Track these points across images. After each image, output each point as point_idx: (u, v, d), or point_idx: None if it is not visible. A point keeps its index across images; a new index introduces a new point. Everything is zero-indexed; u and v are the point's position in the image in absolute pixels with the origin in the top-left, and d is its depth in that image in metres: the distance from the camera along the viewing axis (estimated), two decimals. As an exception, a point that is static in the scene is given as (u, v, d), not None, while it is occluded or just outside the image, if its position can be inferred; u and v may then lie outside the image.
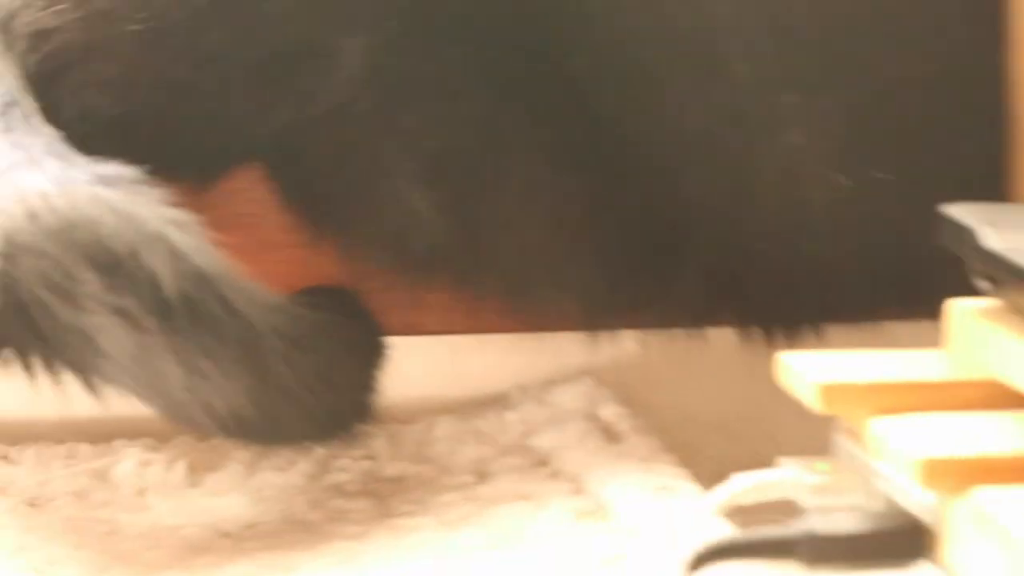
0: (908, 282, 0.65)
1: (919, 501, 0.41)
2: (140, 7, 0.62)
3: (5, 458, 0.67)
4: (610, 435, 0.69)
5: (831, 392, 0.44)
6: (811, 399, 0.45)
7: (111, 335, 0.56)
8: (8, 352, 0.59)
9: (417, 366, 0.70)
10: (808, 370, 0.46)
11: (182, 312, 0.56)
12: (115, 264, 0.55)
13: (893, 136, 0.67)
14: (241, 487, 0.65)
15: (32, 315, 0.56)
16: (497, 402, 0.73)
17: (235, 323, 0.57)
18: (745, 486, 0.46)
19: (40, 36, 0.64)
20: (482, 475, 0.67)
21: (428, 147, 0.66)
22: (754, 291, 0.69)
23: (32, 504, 0.65)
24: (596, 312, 0.71)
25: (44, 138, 0.62)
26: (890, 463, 0.42)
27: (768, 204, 0.67)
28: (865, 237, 0.66)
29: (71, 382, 0.59)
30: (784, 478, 0.46)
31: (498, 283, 0.70)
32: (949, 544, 0.39)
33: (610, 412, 0.70)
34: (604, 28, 0.65)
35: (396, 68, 0.64)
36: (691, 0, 0.66)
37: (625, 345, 0.73)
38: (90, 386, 0.59)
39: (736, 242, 0.68)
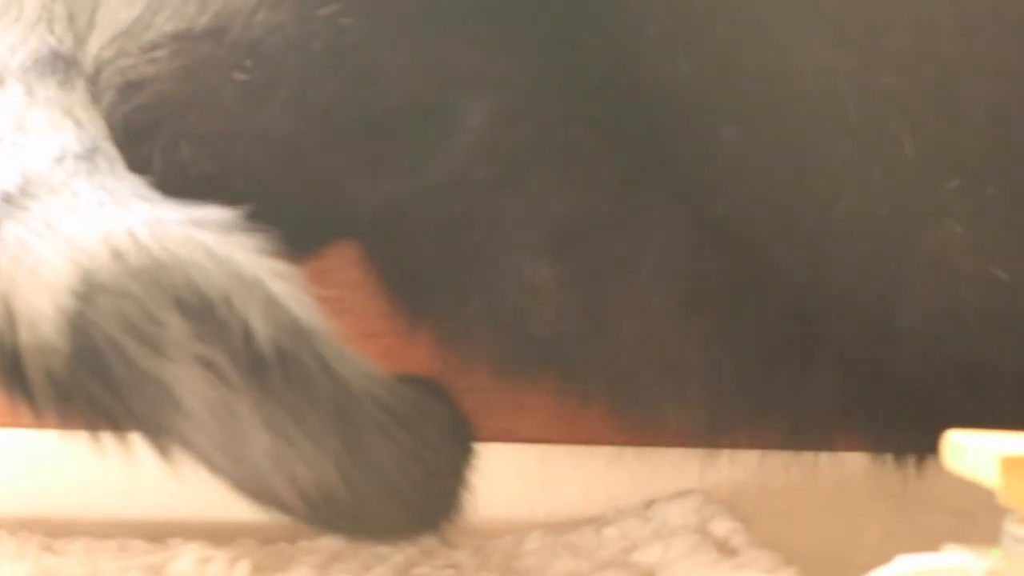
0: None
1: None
2: (247, 55, 0.60)
3: (49, 549, 0.65)
4: (725, 549, 0.66)
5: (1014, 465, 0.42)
6: (989, 474, 0.43)
7: (193, 388, 0.52)
8: (73, 408, 0.55)
9: (509, 476, 0.68)
10: (986, 446, 0.44)
11: (275, 368, 0.53)
12: (205, 310, 0.52)
13: None
14: (311, 593, 0.62)
15: (106, 362, 0.53)
16: (594, 520, 0.69)
17: (332, 385, 0.54)
18: (912, 569, 0.45)
19: (132, 87, 0.62)
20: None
21: (554, 216, 0.63)
22: (892, 398, 0.66)
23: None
24: (714, 423, 0.68)
25: (131, 183, 0.59)
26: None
27: (918, 299, 0.65)
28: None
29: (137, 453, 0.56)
30: (953, 563, 0.44)
31: (609, 383, 0.67)
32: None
33: (723, 527, 0.67)
34: (759, 96, 0.63)
35: (523, 131, 0.62)
36: (856, 70, 0.64)
37: (739, 462, 0.71)
38: (159, 447, 0.55)
39: (878, 341, 0.66)
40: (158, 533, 0.67)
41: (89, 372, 0.53)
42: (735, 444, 0.70)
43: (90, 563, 0.65)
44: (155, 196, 0.58)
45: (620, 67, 0.62)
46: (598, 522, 0.71)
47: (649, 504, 0.72)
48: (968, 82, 0.65)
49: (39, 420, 0.55)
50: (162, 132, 0.61)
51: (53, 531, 0.68)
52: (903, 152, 0.63)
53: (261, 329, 0.52)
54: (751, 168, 0.64)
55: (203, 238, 0.54)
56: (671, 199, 0.64)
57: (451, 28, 0.61)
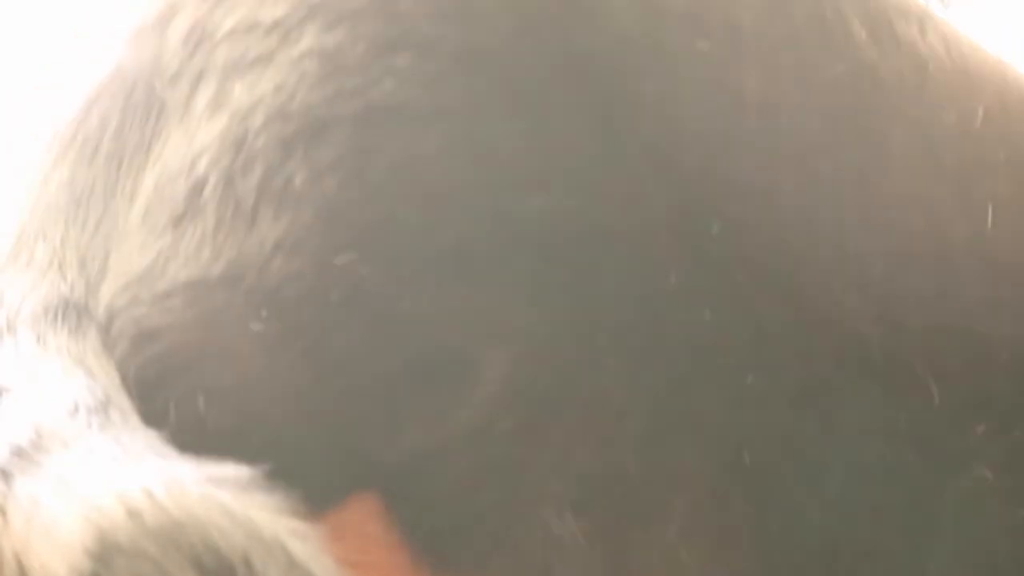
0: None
1: None
2: (264, 304, 0.60)
3: None
4: None
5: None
6: None
7: None
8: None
9: None
10: None
11: None
12: (225, 572, 0.51)
13: None
14: None
15: None
16: None
17: None
18: None
19: (146, 337, 0.62)
20: None
21: (580, 469, 0.62)
22: None
23: None
24: None
25: (146, 437, 0.58)
26: None
27: (949, 547, 0.64)
28: None
29: None
30: None
31: None
32: None
33: None
34: (785, 342, 0.65)
35: (547, 381, 0.61)
36: (879, 313, 0.65)
37: None
38: None
39: None
40: None
41: None
42: None
43: None
44: (171, 452, 0.57)
45: (643, 315, 0.63)
46: None
47: None
48: (994, 323, 0.66)
49: None
50: (177, 384, 0.61)
51: None
52: (929, 397, 0.64)
53: None
54: (777, 418, 0.64)
55: (221, 497, 0.53)
56: (698, 451, 0.64)
57: (472, 277, 0.61)
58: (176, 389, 0.60)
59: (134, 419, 0.59)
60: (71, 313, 0.64)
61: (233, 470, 0.54)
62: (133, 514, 0.52)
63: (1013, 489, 0.63)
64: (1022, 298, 0.65)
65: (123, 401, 0.60)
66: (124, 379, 0.61)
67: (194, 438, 0.58)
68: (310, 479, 0.60)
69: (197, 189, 0.62)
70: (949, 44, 0.69)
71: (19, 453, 0.57)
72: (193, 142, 0.62)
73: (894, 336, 0.64)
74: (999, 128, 0.67)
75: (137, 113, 0.66)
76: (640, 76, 0.63)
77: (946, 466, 0.64)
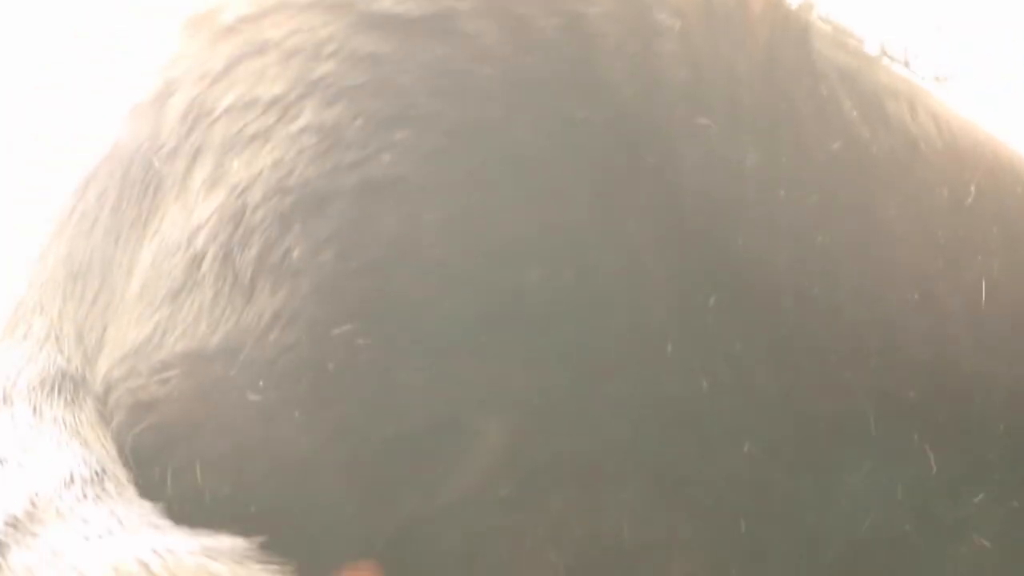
0: None
1: None
2: (261, 375, 0.60)
3: None
4: None
5: None
6: None
7: None
8: None
9: None
10: None
11: None
12: None
13: None
14: None
15: None
16: None
17: None
18: None
19: (143, 407, 0.62)
20: None
21: (575, 536, 0.62)
22: None
23: None
24: None
25: (141, 509, 0.58)
26: None
27: None
28: None
29: None
30: None
31: None
32: None
33: None
34: (779, 414, 0.64)
35: (543, 450, 0.62)
36: (876, 385, 0.65)
37: None
38: None
39: None
40: None
41: None
42: None
43: None
44: (166, 523, 0.57)
45: (639, 385, 0.63)
46: None
47: None
48: (989, 395, 0.67)
49: None
50: (174, 454, 0.61)
51: None
52: (926, 467, 0.64)
53: None
54: (775, 487, 0.64)
55: (216, 568, 0.53)
56: (693, 520, 0.64)
57: (469, 347, 0.61)
58: (174, 459, 0.60)
59: (129, 490, 0.59)
60: (68, 385, 0.64)
61: (229, 541, 0.55)
62: None
63: (1012, 559, 0.63)
64: (1016, 371, 0.66)
65: (119, 472, 0.60)
66: (121, 450, 0.61)
67: (192, 508, 0.59)
68: (308, 548, 0.60)
69: (195, 263, 0.62)
70: (940, 122, 0.70)
71: (14, 524, 0.58)
72: (191, 217, 0.63)
73: (890, 406, 0.64)
74: (991, 205, 0.68)
75: (135, 189, 0.67)
76: (639, 150, 0.64)
77: (944, 535, 0.64)
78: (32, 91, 1.19)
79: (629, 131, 0.65)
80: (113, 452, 0.62)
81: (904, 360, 0.65)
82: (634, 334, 0.62)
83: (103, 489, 0.60)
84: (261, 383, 0.61)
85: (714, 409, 0.63)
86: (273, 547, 0.58)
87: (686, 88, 0.66)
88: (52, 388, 0.66)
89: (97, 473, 0.61)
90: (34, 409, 0.65)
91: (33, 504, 0.60)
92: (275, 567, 0.55)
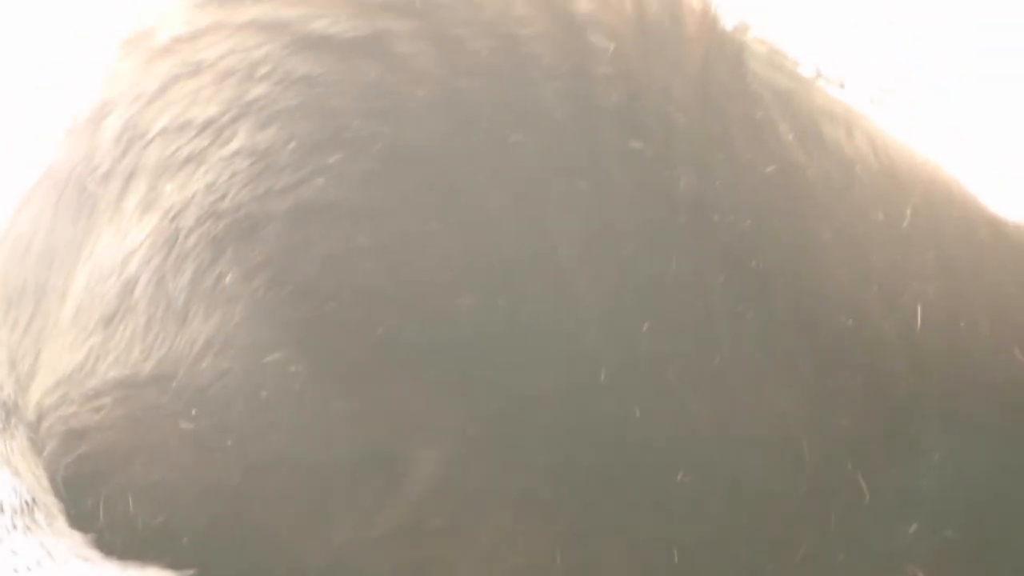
0: None
1: None
2: (193, 404, 0.60)
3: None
4: None
5: None
6: None
7: None
8: None
9: None
10: None
11: None
12: None
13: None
14: None
15: None
16: None
17: None
18: None
19: (75, 436, 0.62)
20: None
21: (508, 565, 0.62)
22: None
23: None
24: None
25: (71, 540, 0.58)
26: None
27: None
28: None
29: None
30: None
31: None
32: None
33: None
34: (712, 440, 0.64)
35: (475, 479, 0.61)
36: (809, 412, 0.65)
37: None
38: None
39: None
40: None
41: None
42: None
43: None
44: (95, 555, 0.57)
45: (572, 413, 0.63)
46: None
47: None
48: (922, 423, 0.66)
49: None
50: (107, 483, 0.61)
51: None
52: (860, 496, 0.64)
53: None
54: (707, 515, 0.64)
55: None
56: (626, 549, 0.64)
57: (402, 375, 0.61)
58: (106, 488, 0.60)
59: (60, 521, 0.59)
60: (0, 413, 0.64)
61: (157, 574, 0.55)
62: None
63: None
64: (951, 397, 0.65)
65: (50, 502, 0.60)
66: (53, 479, 0.61)
67: (123, 539, 0.59)
68: (242, 573, 0.61)
69: (128, 288, 0.62)
70: (876, 145, 0.70)
71: None
72: (124, 241, 0.63)
73: (823, 434, 0.64)
74: (927, 228, 0.67)
75: (68, 211, 0.66)
76: (572, 173, 0.63)
77: (878, 564, 0.64)
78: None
79: (562, 155, 0.64)
80: (44, 482, 0.62)
81: (837, 387, 0.65)
82: (567, 361, 0.62)
83: (33, 520, 0.60)
84: (194, 411, 0.61)
85: (647, 437, 0.63)
86: None
87: (619, 111, 0.66)
88: None
89: (27, 503, 0.60)
90: (-31, 429, 0.62)
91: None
92: None
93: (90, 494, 0.60)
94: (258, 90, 0.63)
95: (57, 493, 0.61)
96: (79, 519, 0.60)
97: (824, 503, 0.65)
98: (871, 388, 0.65)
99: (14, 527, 0.60)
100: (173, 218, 0.62)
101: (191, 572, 0.57)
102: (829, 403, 0.65)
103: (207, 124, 0.63)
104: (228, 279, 0.60)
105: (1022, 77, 1.26)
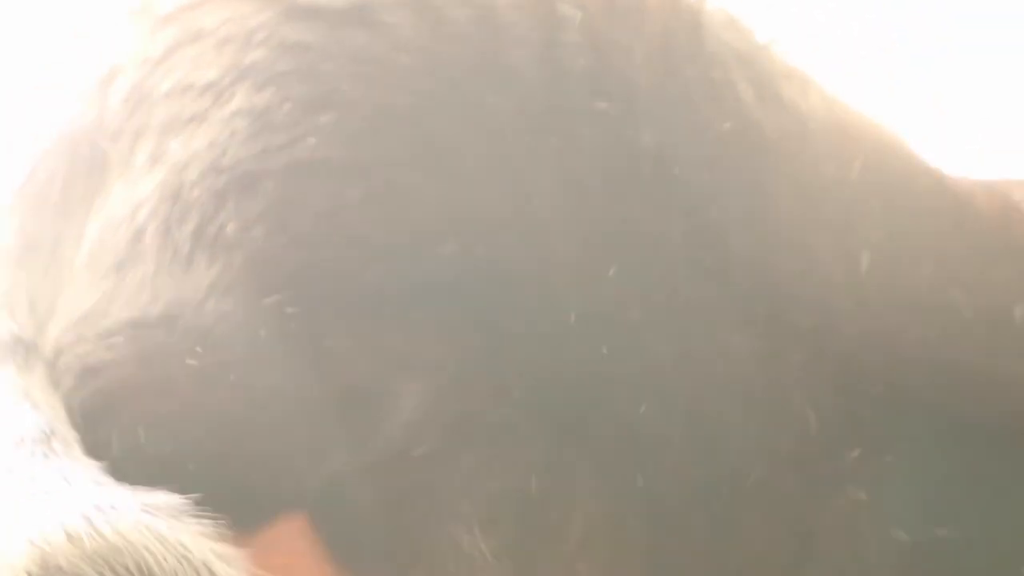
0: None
1: None
2: (199, 342, 0.63)
3: None
4: None
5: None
6: None
7: None
8: None
9: None
10: None
11: None
12: None
13: (960, 492, 0.67)
14: None
15: None
16: None
17: None
18: None
19: (90, 372, 0.65)
20: None
21: (487, 491, 0.65)
22: None
23: None
24: None
25: (86, 467, 0.60)
26: None
27: (828, 565, 0.67)
28: None
29: None
30: None
31: None
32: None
33: None
34: (674, 376, 0.66)
35: (456, 411, 0.64)
36: (762, 350, 0.67)
37: None
38: None
39: None
40: None
41: None
42: None
43: None
44: (109, 480, 0.59)
45: (545, 351, 0.65)
46: None
47: None
48: (866, 358, 0.69)
49: None
50: (119, 416, 0.63)
51: None
52: (807, 425, 0.67)
53: None
54: (668, 444, 0.67)
55: (155, 523, 0.55)
56: (595, 474, 0.66)
57: (389, 317, 0.63)
58: (118, 421, 0.63)
59: (76, 450, 0.61)
60: (19, 350, 0.66)
61: (166, 497, 0.57)
62: (73, 539, 0.55)
63: (884, 508, 0.66)
64: (892, 336, 0.67)
65: (67, 432, 0.62)
66: (69, 412, 0.63)
67: (134, 466, 0.61)
68: (242, 502, 0.62)
69: (137, 236, 0.64)
70: (829, 103, 0.72)
71: None
72: (133, 193, 0.65)
73: (775, 370, 0.66)
74: (873, 180, 0.69)
75: (82, 167, 0.68)
76: (544, 132, 0.66)
77: (822, 488, 0.66)
78: (32, 91, 1.09)
79: (535, 115, 0.66)
80: (62, 414, 0.63)
81: (789, 326, 0.67)
82: (540, 305, 0.64)
83: (51, 449, 0.61)
84: (199, 349, 0.63)
85: (613, 373, 0.65)
86: (208, 502, 0.59)
87: (586, 75, 0.68)
88: (5, 353, 0.67)
89: (46, 434, 0.62)
90: (-16, 373, 0.67)
91: (-26, 465, 0.62)
92: (209, 521, 0.57)
93: (104, 426, 0.62)
94: (255, 55, 0.65)
95: (74, 424, 0.62)
96: (94, 448, 0.61)
97: (775, 433, 0.67)
98: (821, 328, 0.67)
99: (33, 455, 0.61)
100: (178, 172, 0.64)
101: (196, 495, 0.60)
102: (781, 341, 0.67)
103: (208, 87, 0.66)
104: (229, 229, 0.62)
105: (1002, 49, 1.25)
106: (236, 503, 0.61)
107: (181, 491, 0.58)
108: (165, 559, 0.55)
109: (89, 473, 0.60)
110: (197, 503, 0.58)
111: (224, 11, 0.67)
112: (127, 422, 0.63)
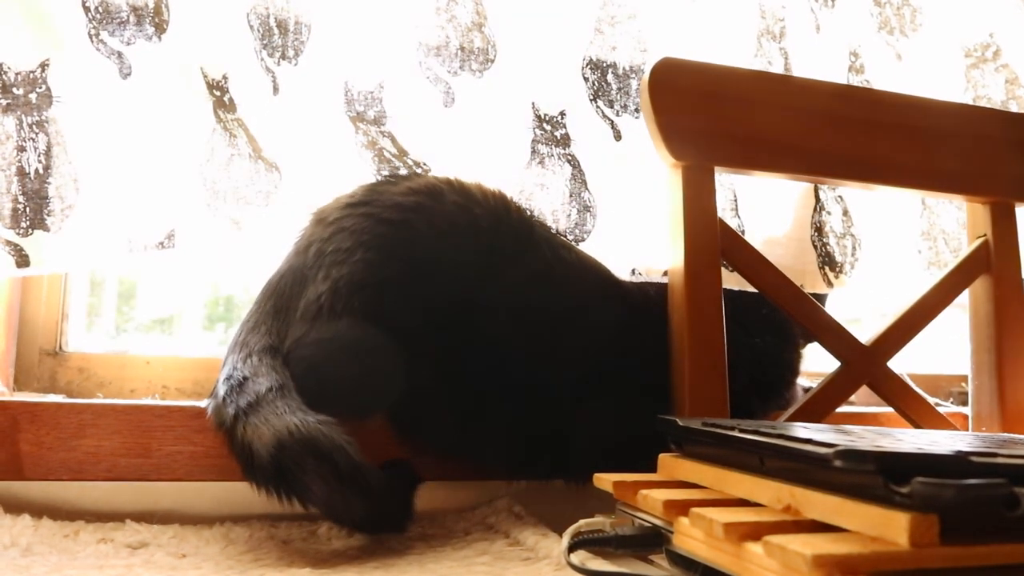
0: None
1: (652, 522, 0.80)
2: (344, 348, 1.07)
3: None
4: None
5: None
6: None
7: None
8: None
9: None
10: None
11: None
12: (322, 454, 0.96)
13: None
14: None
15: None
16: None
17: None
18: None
19: (297, 361, 1.10)
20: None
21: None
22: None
23: None
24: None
25: (297, 402, 1.02)
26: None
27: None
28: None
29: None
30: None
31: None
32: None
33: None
34: (531, 327, 1.18)
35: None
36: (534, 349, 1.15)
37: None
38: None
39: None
40: None
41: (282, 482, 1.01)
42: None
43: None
44: (307, 408, 1.01)
45: (447, 364, 1.13)
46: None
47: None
48: (593, 333, 1.17)
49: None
50: (309, 378, 1.06)
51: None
52: (565, 379, 1.18)
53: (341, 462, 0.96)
54: (542, 366, 1.17)
55: (323, 427, 1.01)
56: (493, 388, 1.15)
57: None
58: (309, 381, 1.07)
59: (293, 394, 1.05)
60: (272, 350, 1.11)
61: (327, 416, 1.00)
62: (292, 431, 0.99)
63: (624, 416, 1.11)
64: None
65: (291, 386, 1.06)
66: (293, 377, 1.07)
67: (315, 402, 1.04)
68: (361, 410, 1.10)
69: (320, 308, 1.10)
70: (579, 255, 1.23)
71: (248, 406, 1.03)
72: (315, 291, 1.11)
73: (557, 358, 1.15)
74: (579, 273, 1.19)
75: (296, 281, 1.15)
76: (464, 248, 1.18)
77: (586, 411, 1.15)
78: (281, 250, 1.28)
79: (463, 239, 1.14)
80: (288, 380, 1.06)
81: (541, 338, 1.15)
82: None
83: (283, 393, 1.04)
84: (343, 353, 1.06)
85: (495, 332, 1.13)
86: (342, 414, 1.02)
87: (487, 229, 1.17)
88: (266, 351, 1.11)
89: (281, 386, 1.05)
90: (260, 359, 1.10)
91: (257, 398, 1.04)
92: (345, 423, 0.97)
93: (305, 384, 1.06)
94: (361, 238, 1.12)
95: (297, 389, 1.06)
96: (299, 392, 1.04)
97: (558, 386, 1.16)
98: (544, 338, 1.16)
99: (276, 397, 1.03)
100: (335, 282, 1.10)
101: (339, 413, 0.99)
102: (544, 346, 1.16)
103: (345, 251, 1.12)
104: (349, 305, 1.07)
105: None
106: (359, 411, 1.08)
107: (335, 415, 1.01)
108: (324, 439, 0.97)
109: (299, 405, 1.02)
110: (338, 416, 1.00)
111: (352, 219, 1.15)
112: (313, 383, 1.06)
